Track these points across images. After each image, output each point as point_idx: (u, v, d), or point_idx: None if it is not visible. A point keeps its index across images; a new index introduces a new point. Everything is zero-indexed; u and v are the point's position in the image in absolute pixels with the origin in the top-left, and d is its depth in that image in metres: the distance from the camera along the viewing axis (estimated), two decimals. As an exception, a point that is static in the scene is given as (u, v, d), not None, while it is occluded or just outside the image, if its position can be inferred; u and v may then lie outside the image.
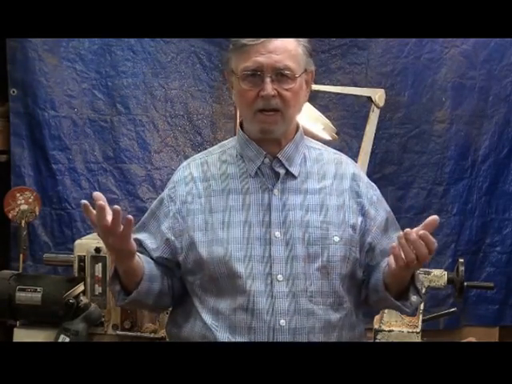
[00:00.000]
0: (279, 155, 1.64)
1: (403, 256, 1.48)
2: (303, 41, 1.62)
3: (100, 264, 2.57)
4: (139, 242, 1.68)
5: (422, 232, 1.46)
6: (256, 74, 1.57)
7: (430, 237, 1.47)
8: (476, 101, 3.51)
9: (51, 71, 3.36)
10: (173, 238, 1.65)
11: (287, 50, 1.57)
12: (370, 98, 2.87)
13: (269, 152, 1.65)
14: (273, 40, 1.56)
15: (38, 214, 3.28)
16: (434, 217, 1.49)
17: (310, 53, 1.63)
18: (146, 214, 1.74)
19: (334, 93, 3.17)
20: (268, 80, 1.56)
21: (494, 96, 3.52)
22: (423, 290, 2.60)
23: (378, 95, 2.86)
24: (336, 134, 2.92)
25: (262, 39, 1.55)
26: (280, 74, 1.56)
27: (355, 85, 3.36)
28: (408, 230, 1.49)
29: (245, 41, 1.57)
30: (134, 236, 1.70)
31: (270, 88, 1.55)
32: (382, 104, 2.87)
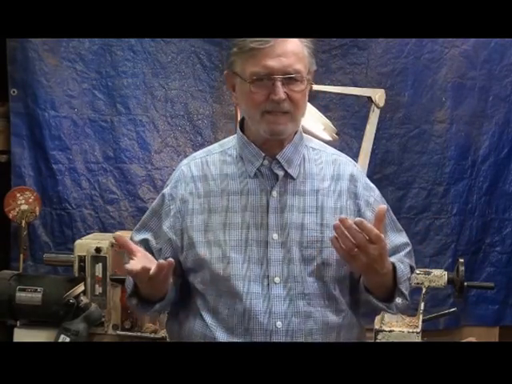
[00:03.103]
0: (278, 157, 1.63)
1: (342, 245, 1.47)
2: (306, 41, 1.60)
3: (100, 264, 2.58)
4: (146, 243, 1.69)
5: (357, 219, 1.46)
6: (266, 78, 1.55)
7: (367, 224, 1.45)
8: (476, 101, 3.51)
9: (51, 71, 3.36)
10: (174, 237, 1.66)
11: (295, 52, 1.56)
12: (370, 98, 2.88)
13: (270, 153, 1.64)
14: (280, 42, 1.54)
15: (38, 214, 3.28)
16: (381, 206, 1.52)
17: (313, 53, 1.63)
18: (148, 213, 1.74)
19: (334, 93, 3.17)
20: (279, 84, 1.54)
21: (494, 96, 3.51)
22: (423, 290, 2.62)
23: (378, 95, 2.86)
24: (336, 134, 2.92)
25: (269, 42, 1.54)
26: (289, 78, 1.55)
27: (355, 85, 3.35)
28: (342, 216, 1.48)
29: (252, 44, 1.54)
30: (137, 236, 1.73)
31: (281, 92, 1.54)
32: (382, 104, 2.87)
